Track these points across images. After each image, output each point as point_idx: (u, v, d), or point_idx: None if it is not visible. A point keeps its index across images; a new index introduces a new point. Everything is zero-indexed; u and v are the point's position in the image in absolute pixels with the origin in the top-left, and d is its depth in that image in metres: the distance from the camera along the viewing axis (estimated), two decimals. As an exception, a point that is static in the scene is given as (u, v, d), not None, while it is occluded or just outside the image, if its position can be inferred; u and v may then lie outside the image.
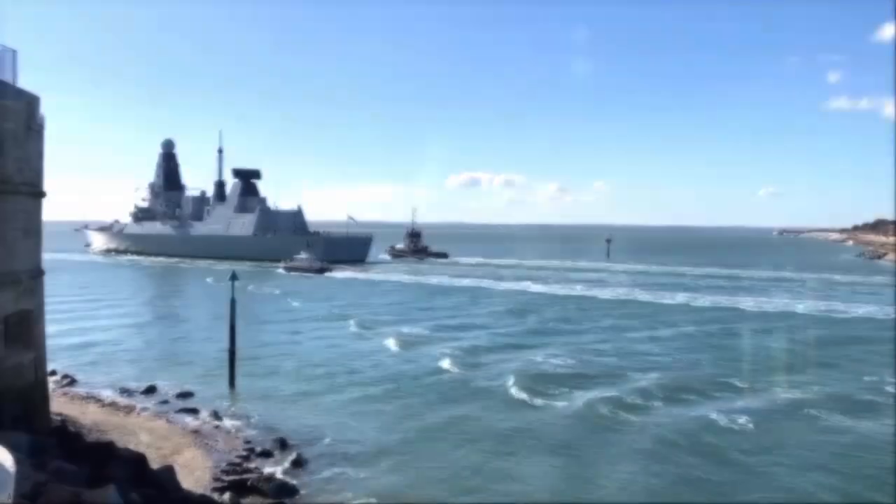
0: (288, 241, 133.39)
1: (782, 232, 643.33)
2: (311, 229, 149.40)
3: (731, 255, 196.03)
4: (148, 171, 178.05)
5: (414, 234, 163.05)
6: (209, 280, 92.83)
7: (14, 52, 20.82)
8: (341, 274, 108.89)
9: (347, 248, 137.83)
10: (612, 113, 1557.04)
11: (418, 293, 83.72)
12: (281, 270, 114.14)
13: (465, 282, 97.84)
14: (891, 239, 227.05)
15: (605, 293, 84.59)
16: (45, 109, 21.65)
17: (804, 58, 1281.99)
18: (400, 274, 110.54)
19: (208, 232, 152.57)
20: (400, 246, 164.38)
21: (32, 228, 20.92)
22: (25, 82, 21.04)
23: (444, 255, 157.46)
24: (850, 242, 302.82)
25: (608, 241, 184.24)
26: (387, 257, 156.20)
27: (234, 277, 38.08)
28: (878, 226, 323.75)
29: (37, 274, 21.39)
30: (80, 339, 47.56)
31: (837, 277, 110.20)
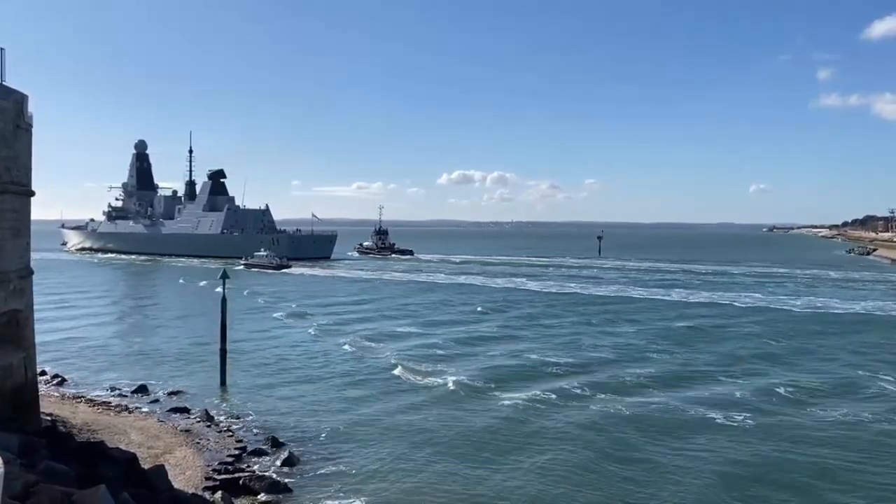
0: (254, 239, 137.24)
1: (772, 229, 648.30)
2: (281, 227, 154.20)
3: (721, 252, 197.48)
4: (123, 171, 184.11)
5: (381, 232, 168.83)
6: (181, 280, 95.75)
7: (2, 51, 20.73)
8: (299, 270, 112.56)
9: (311, 245, 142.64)
10: (603, 111, 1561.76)
11: (365, 287, 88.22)
12: (241, 267, 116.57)
13: (409, 276, 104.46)
14: (882, 235, 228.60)
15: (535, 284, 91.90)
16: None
17: (795, 56, 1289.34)
18: (356, 270, 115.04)
19: (178, 230, 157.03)
20: (367, 243, 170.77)
21: (21, 228, 20.81)
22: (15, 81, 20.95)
23: (410, 252, 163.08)
24: (839, 239, 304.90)
25: (599, 238, 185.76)
26: (355, 254, 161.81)
27: (224, 276, 37.92)
28: (866, 222, 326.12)
29: (26, 273, 21.27)
30: (69, 338, 47.34)
31: (832, 274, 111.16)
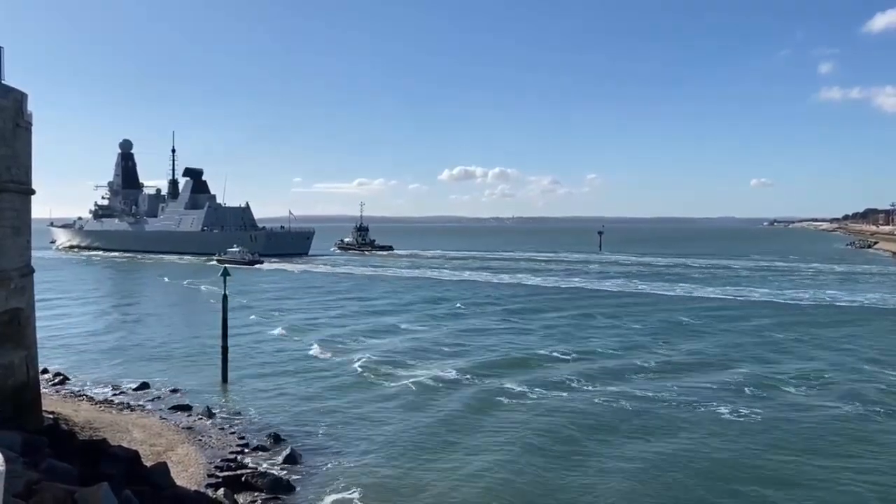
0: (233, 235, 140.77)
1: (773, 222, 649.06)
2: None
3: (722, 246, 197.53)
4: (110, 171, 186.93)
5: (361, 229, 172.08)
6: (165, 279, 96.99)
7: (0, 49, 20.71)
8: (269, 266, 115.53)
9: (289, 242, 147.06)
10: (604, 107, 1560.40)
11: (331, 281, 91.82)
12: (214, 263, 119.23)
13: (376, 271, 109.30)
14: (882, 228, 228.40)
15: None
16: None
17: (795, 51, 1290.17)
18: (328, 266, 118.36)
19: (161, 228, 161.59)
20: (348, 239, 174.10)
21: (22, 226, 20.80)
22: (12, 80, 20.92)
23: (390, 248, 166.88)
24: (840, 232, 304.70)
25: (600, 233, 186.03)
26: (336, 250, 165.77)
27: (225, 273, 37.97)
28: (867, 215, 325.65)
29: (27, 272, 21.28)
30: (70, 337, 47.43)
31: (836, 267, 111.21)
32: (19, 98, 20.47)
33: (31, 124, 21.35)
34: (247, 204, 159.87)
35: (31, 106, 21.25)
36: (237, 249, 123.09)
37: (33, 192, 21.85)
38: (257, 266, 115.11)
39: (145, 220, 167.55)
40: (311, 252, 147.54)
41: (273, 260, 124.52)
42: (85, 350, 43.41)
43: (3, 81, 20.36)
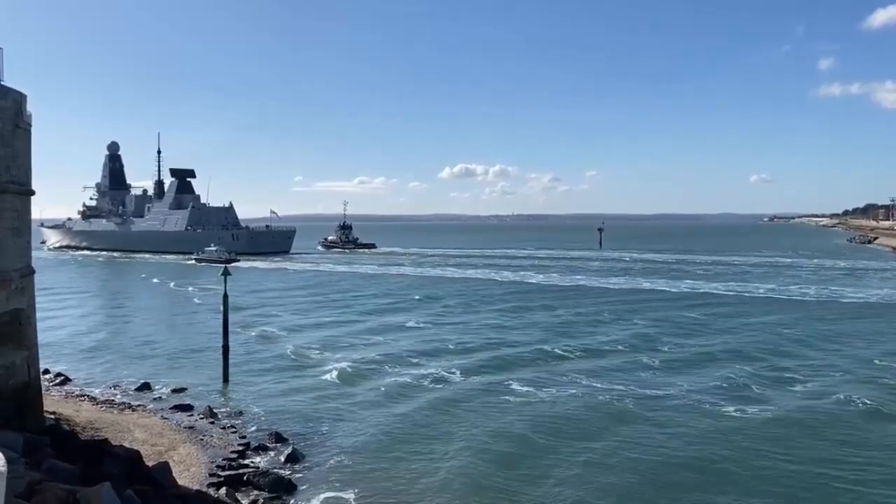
0: (217, 235, 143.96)
1: (773, 218, 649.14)
2: (255, 224, 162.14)
3: (723, 242, 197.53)
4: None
5: (345, 227, 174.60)
6: (142, 275, 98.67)
7: (0, 50, 20.70)
8: (246, 264, 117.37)
9: (271, 241, 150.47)
10: (604, 103, 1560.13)
11: (301, 279, 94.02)
12: (192, 261, 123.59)
13: (349, 268, 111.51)
14: (882, 223, 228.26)
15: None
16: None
17: (795, 47, 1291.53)
18: (304, 264, 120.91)
19: (147, 227, 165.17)
20: (331, 238, 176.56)
21: (22, 227, 20.80)
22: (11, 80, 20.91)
23: (372, 246, 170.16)
24: (840, 228, 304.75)
25: (600, 230, 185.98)
26: (319, 248, 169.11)
27: (226, 273, 37.95)
28: (867, 210, 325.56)
29: (28, 272, 21.28)
30: (70, 337, 47.43)
31: (840, 262, 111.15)
32: (19, 99, 20.47)
33: (30, 125, 21.35)
34: (230, 204, 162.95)
35: (29, 106, 21.26)
36: (214, 248, 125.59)
37: (33, 192, 21.84)
38: (234, 264, 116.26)
39: (132, 221, 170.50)
40: (294, 250, 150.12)
41: (260, 258, 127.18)
42: (85, 350, 43.38)
43: (2, 82, 20.36)
